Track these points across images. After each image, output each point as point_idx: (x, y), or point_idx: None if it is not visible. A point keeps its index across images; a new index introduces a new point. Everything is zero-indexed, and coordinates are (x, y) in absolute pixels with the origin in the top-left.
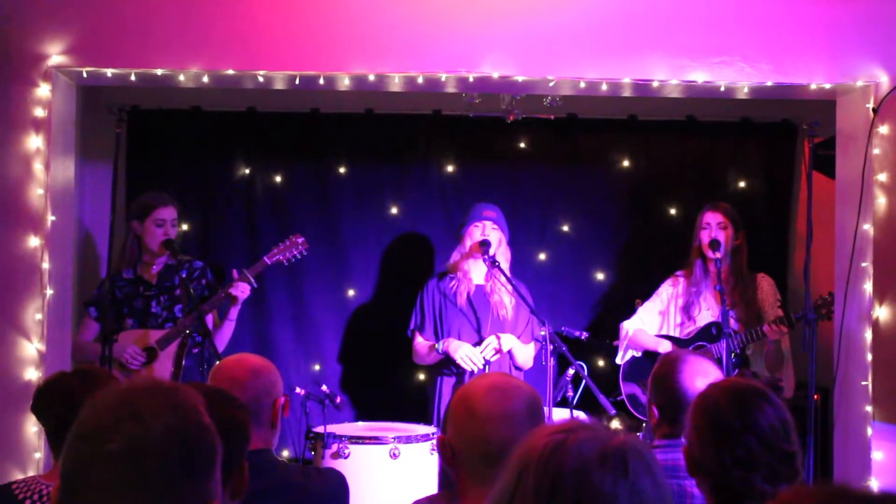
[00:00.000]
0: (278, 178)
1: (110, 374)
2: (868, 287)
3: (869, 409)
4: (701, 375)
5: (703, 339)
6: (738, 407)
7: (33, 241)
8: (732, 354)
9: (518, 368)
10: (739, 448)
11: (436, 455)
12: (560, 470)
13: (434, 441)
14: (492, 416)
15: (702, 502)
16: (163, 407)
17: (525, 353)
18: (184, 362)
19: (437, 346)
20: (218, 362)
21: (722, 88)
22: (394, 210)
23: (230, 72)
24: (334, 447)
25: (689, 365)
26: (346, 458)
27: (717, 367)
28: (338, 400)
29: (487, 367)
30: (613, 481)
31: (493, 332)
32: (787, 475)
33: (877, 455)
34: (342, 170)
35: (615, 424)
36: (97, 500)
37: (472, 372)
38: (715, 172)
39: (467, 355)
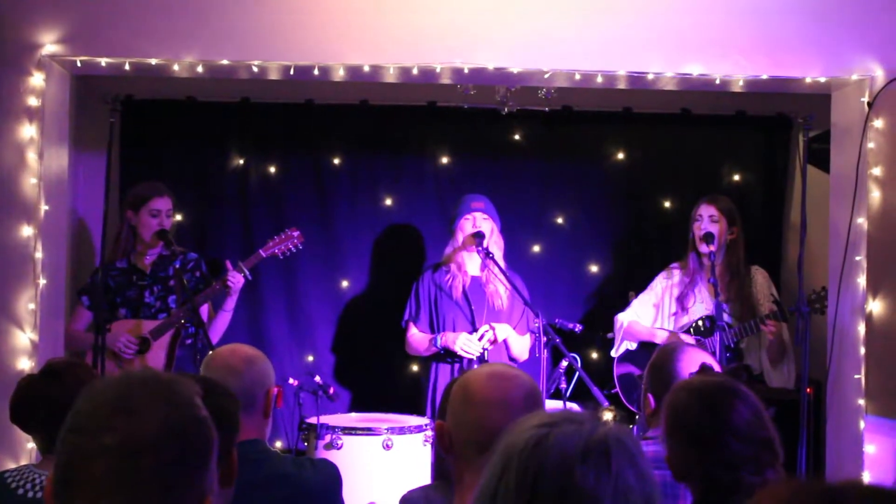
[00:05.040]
0: (272, 169)
1: (83, 365)
2: (861, 281)
3: (861, 402)
4: (698, 367)
5: (698, 333)
6: (709, 410)
7: (26, 231)
8: (726, 348)
9: (513, 359)
10: (721, 450)
11: (429, 446)
12: (541, 467)
13: (427, 432)
14: (488, 402)
15: None
16: (159, 400)
17: (520, 344)
18: (177, 353)
19: (435, 340)
20: (211, 352)
21: (717, 81)
22: (388, 201)
23: (224, 62)
24: (327, 438)
25: (687, 355)
26: (339, 448)
27: (713, 358)
28: (331, 391)
29: (486, 353)
30: (596, 477)
31: (488, 322)
32: (769, 461)
33: (869, 448)
34: (336, 161)
35: (608, 416)
36: (92, 493)
37: (469, 360)
38: (709, 165)
39: (465, 343)
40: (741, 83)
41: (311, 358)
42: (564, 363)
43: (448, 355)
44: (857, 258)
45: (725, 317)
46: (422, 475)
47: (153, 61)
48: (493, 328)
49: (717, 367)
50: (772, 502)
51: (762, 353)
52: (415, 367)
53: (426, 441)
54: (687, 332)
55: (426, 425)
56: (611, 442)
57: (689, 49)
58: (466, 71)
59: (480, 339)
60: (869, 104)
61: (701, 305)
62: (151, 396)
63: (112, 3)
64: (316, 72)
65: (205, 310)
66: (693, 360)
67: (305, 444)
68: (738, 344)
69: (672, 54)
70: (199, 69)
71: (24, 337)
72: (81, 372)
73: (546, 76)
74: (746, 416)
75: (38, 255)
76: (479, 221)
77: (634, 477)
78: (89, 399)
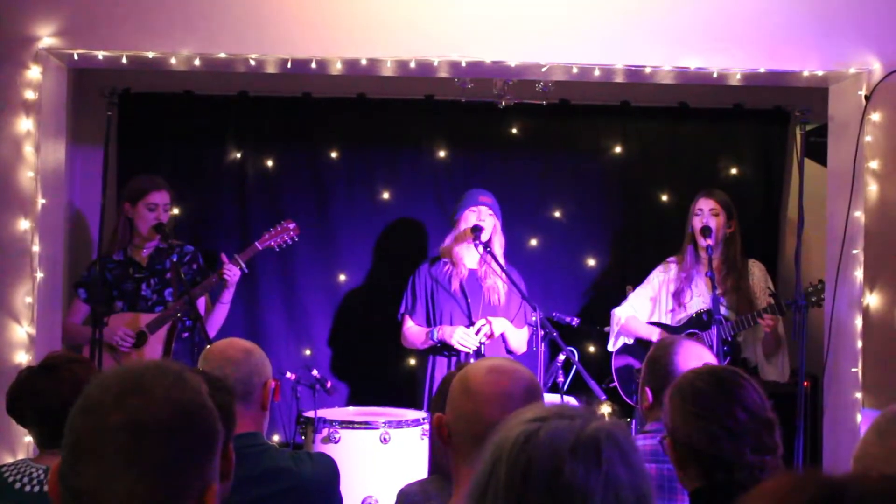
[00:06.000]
0: (270, 163)
1: (80, 358)
2: (859, 274)
3: (858, 395)
4: (696, 360)
5: (695, 327)
6: (719, 386)
7: (23, 224)
8: (723, 342)
9: (510, 353)
10: (729, 419)
11: (426, 440)
12: (531, 462)
13: (424, 426)
14: (487, 395)
15: None
16: (169, 384)
17: (518, 337)
18: (174, 346)
19: (431, 333)
20: (209, 345)
21: (714, 75)
22: (385, 195)
23: (222, 55)
24: (325, 432)
25: (685, 349)
26: (336, 442)
27: (711, 352)
28: (328, 384)
29: (483, 347)
30: (586, 472)
31: (484, 316)
32: (770, 445)
33: None
34: (334, 154)
35: (605, 410)
36: (99, 473)
37: (466, 354)
38: (707, 159)
39: (462, 337)
40: (739, 76)
41: (308, 352)
42: (562, 357)
43: (445, 349)
44: (855, 252)
45: (722, 310)
46: (419, 469)
47: (150, 54)
48: (489, 322)
49: (714, 361)
50: (772, 494)
51: (758, 346)
52: (412, 361)
53: (423, 435)
54: (685, 325)
55: (423, 419)
56: (601, 437)
57: (686, 42)
58: (464, 64)
59: (477, 332)
60: (866, 98)
61: (698, 299)
62: (162, 380)
63: None
64: (313, 65)
65: (202, 303)
66: (691, 354)
67: (303, 437)
68: (735, 337)
69: (669, 48)
70: (197, 62)
71: (21, 330)
72: (79, 367)
73: (543, 69)
74: (753, 395)
75: (36, 248)
76: (484, 215)
77: (625, 472)
78: (99, 382)
